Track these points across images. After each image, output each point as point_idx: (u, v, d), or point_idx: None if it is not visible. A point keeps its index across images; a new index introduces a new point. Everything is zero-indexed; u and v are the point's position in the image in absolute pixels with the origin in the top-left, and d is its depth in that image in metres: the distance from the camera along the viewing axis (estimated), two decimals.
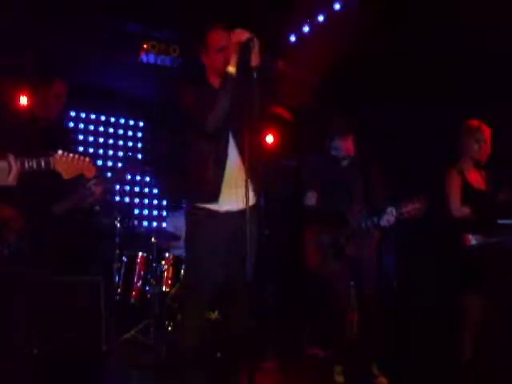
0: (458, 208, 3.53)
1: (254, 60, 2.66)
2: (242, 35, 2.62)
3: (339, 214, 3.71)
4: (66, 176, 2.64)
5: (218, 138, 2.75)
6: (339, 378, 3.85)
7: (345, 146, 3.90)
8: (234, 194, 2.74)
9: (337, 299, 3.83)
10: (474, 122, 3.66)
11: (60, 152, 2.63)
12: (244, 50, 2.62)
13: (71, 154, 2.65)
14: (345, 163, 3.93)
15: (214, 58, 2.79)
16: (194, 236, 2.81)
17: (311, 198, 3.82)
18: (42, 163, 2.61)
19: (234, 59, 2.66)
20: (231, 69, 2.66)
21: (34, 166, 2.61)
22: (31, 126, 3.15)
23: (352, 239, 3.64)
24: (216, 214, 2.74)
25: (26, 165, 2.60)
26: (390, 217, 3.43)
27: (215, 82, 2.82)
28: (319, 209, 3.83)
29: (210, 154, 2.75)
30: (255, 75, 2.66)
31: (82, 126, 6.33)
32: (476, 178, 3.66)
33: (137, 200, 6.21)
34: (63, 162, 2.63)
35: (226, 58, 2.71)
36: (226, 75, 2.67)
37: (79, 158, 2.66)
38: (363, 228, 3.56)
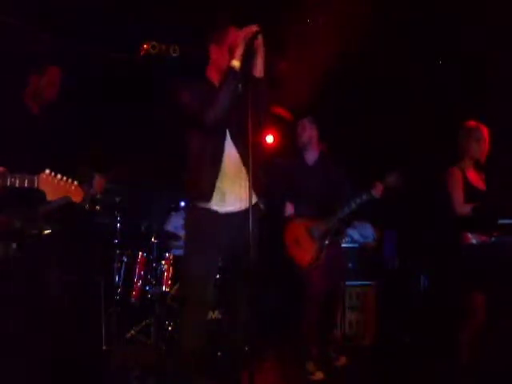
0: (462, 204, 3.54)
1: (259, 69, 2.65)
2: (252, 28, 2.59)
3: (323, 206, 3.93)
4: (50, 197, 2.52)
5: (215, 135, 2.70)
6: (318, 376, 3.85)
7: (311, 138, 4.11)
8: (236, 194, 2.72)
9: (311, 288, 3.94)
10: (473, 123, 3.70)
11: (47, 171, 2.50)
12: (250, 41, 2.58)
13: (59, 176, 2.52)
14: (312, 161, 4.14)
15: (223, 55, 2.72)
16: (192, 236, 2.79)
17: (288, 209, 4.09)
18: (26, 181, 2.49)
19: (239, 51, 2.59)
20: (236, 63, 2.59)
21: (17, 183, 2.49)
22: (23, 117, 3.11)
23: (343, 223, 3.98)
24: (216, 214, 2.72)
25: (8, 181, 2.49)
26: (378, 188, 3.78)
27: (215, 78, 2.78)
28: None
29: (206, 153, 2.71)
30: (260, 84, 2.66)
31: None
32: (475, 178, 3.67)
33: None
34: (49, 182, 2.50)
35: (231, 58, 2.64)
36: (229, 69, 2.61)
37: (67, 180, 2.53)
38: (353, 207, 3.83)
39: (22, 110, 3.14)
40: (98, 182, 3.28)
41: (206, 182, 2.70)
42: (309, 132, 4.10)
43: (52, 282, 3.14)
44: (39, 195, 2.73)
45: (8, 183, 2.50)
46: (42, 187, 2.50)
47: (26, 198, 2.85)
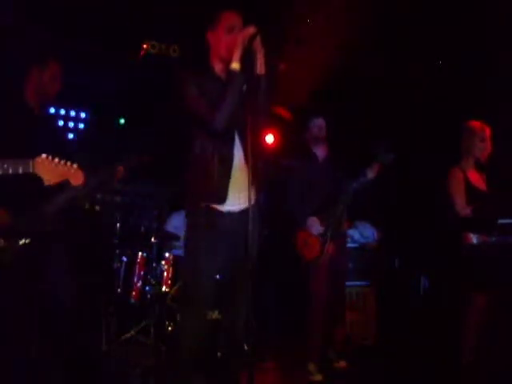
0: (464, 206, 3.53)
1: (260, 67, 2.67)
2: (249, 30, 2.60)
3: (328, 202, 4.01)
4: (47, 182, 2.41)
5: (224, 136, 2.70)
6: (317, 377, 3.87)
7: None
8: (237, 195, 2.71)
9: (317, 287, 3.99)
10: (477, 123, 3.69)
11: (44, 155, 2.40)
12: (248, 44, 2.60)
13: (56, 159, 2.42)
14: (322, 157, 4.26)
15: (220, 38, 2.73)
16: (194, 236, 2.78)
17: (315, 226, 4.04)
18: (20, 167, 2.38)
19: (238, 54, 2.61)
20: (236, 65, 2.61)
21: (10, 169, 2.37)
22: (26, 115, 3.09)
23: (346, 212, 4.04)
24: (218, 213, 2.71)
25: (0, 169, 2.38)
26: (374, 169, 3.88)
27: (218, 67, 2.78)
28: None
29: (215, 153, 2.69)
30: (262, 83, 2.68)
31: (81, 126, 6.33)
32: (476, 178, 3.67)
33: None
34: (45, 166, 2.40)
35: (231, 43, 2.65)
36: (231, 72, 2.62)
37: (65, 163, 2.44)
38: (351, 192, 3.92)
39: (23, 110, 3.13)
40: (119, 170, 3.25)
41: (218, 184, 2.69)
42: (325, 131, 4.24)
43: (60, 283, 3.13)
44: (46, 192, 2.71)
45: (0, 171, 2.38)
46: (38, 172, 2.40)
47: (28, 197, 2.85)
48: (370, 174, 3.89)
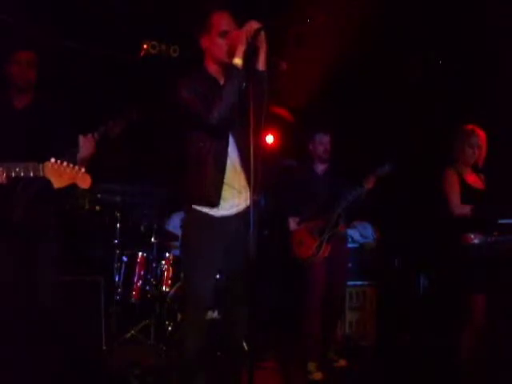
0: (458, 205, 3.51)
1: (262, 63, 2.63)
2: (253, 25, 2.55)
3: (325, 208, 4.11)
4: (56, 185, 2.50)
5: (218, 138, 2.68)
6: (317, 376, 3.88)
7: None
8: (233, 198, 2.71)
9: (313, 286, 4.06)
10: (468, 127, 3.64)
11: (53, 160, 2.48)
12: (252, 40, 2.55)
13: (65, 163, 2.50)
14: (323, 171, 4.36)
15: (214, 42, 2.69)
16: (191, 237, 2.77)
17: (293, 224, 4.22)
18: (31, 170, 2.48)
19: (241, 49, 2.56)
20: (238, 60, 2.56)
21: (22, 173, 2.49)
22: (7, 112, 3.05)
23: (342, 218, 4.11)
24: (213, 215, 2.70)
25: (13, 172, 2.48)
26: (370, 180, 3.97)
27: (213, 69, 2.74)
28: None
29: (209, 155, 2.67)
30: (263, 79, 2.64)
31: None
32: (473, 179, 3.65)
33: None
34: (55, 170, 2.49)
35: (226, 46, 2.63)
36: (232, 68, 2.58)
37: (73, 167, 2.53)
38: (350, 199, 4.00)
39: (5, 107, 3.09)
40: (85, 141, 2.92)
41: (212, 188, 2.67)
42: (330, 150, 4.30)
43: (43, 282, 3.11)
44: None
45: (13, 174, 2.48)
46: (48, 175, 2.49)
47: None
48: (367, 185, 3.97)
